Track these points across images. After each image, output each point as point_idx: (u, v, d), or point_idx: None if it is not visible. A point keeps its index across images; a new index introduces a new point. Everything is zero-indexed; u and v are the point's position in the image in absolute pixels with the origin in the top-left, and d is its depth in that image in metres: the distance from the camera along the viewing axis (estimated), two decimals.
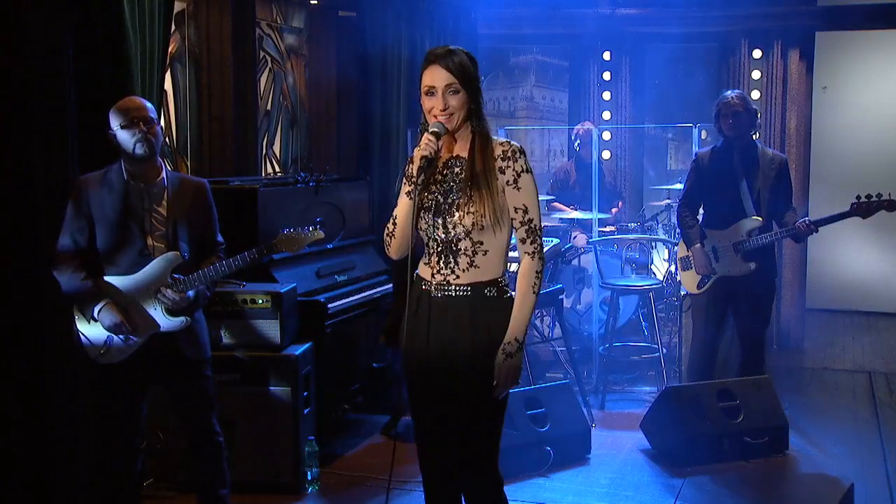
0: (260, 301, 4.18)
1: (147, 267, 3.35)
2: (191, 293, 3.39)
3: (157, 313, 3.37)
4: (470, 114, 2.74)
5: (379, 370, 5.49)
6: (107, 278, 3.35)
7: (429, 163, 2.70)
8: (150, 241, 3.36)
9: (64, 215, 3.37)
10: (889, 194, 4.59)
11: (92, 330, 3.36)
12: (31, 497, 3.63)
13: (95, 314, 3.31)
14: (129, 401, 3.43)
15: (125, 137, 3.30)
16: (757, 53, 7.22)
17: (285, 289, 4.25)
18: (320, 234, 3.62)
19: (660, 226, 6.92)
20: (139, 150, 3.30)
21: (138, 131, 3.28)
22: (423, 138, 2.70)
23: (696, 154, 5.12)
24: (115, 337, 3.34)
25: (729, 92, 4.92)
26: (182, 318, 3.39)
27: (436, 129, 2.70)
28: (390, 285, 5.22)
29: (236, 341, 4.20)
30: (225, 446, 3.61)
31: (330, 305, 4.56)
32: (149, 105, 3.38)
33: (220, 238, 3.60)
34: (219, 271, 3.42)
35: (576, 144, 7.01)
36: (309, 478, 4.24)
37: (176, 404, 3.55)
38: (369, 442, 4.99)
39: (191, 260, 3.44)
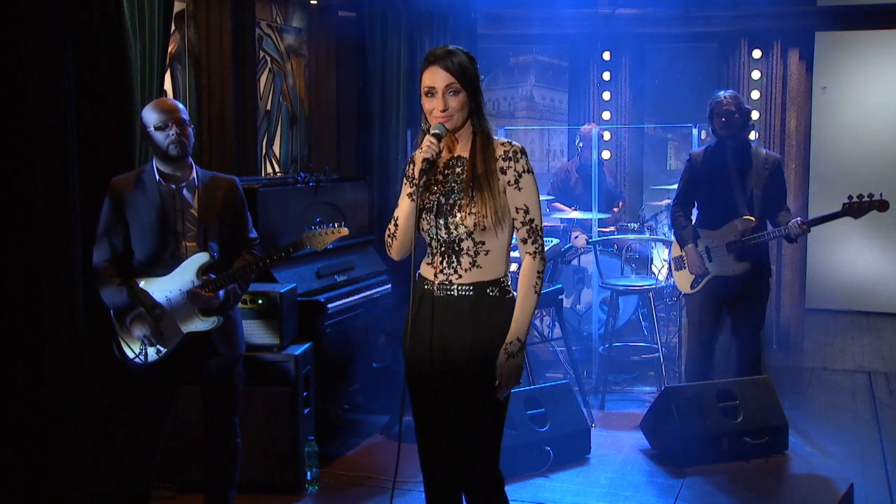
0: (260, 301, 4.18)
1: (179, 268, 3.37)
2: (221, 293, 3.40)
3: (191, 314, 3.39)
4: (471, 114, 2.75)
5: (379, 370, 5.49)
6: (140, 281, 3.38)
7: (430, 165, 2.70)
8: (182, 242, 3.39)
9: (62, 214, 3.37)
10: (881, 194, 4.58)
11: (130, 337, 3.39)
12: (32, 496, 3.63)
13: (128, 323, 3.35)
14: (163, 400, 3.46)
15: (159, 138, 3.32)
16: (757, 53, 7.22)
17: (285, 289, 4.25)
18: (345, 231, 3.63)
19: (659, 226, 6.92)
20: (172, 151, 3.32)
21: (173, 132, 3.31)
22: (425, 140, 2.70)
23: (689, 154, 5.12)
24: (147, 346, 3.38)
25: (722, 92, 4.92)
26: (214, 318, 3.41)
27: (437, 131, 2.70)
28: (389, 285, 5.23)
29: None
30: (241, 449, 3.62)
31: (329, 305, 4.56)
32: (181, 106, 3.40)
33: (253, 234, 3.62)
34: (249, 269, 3.45)
35: (578, 145, 7.01)
36: (309, 478, 4.24)
37: (205, 402, 3.56)
38: (369, 442, 4.99)
39: (224, 257, 3.45)
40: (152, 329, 3.34)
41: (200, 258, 3.38)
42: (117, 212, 3.36)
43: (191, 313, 3.39)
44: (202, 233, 3.41)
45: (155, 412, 3.46)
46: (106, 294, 3.36)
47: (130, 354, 3.39)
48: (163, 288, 3.38)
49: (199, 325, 3.40)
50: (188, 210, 3.41)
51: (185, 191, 3.41)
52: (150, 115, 3.34)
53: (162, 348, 3.37)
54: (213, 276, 3.39)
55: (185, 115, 3.38)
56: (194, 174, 3.46)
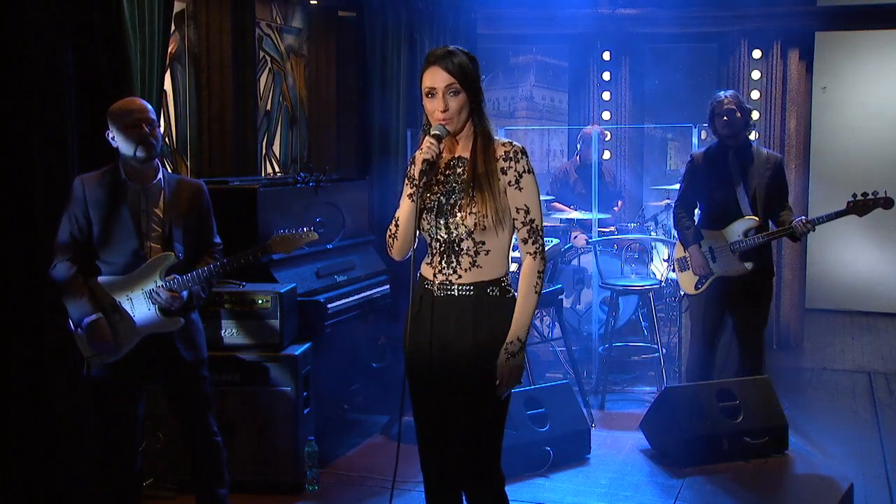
0: (260, 301, 4.18)
1: (141, 267, 3.36)
2: (185, 293, 3.39)
3: (151, 313, 3.37)
4: (471, 114, 2.75)
5: (379, 370, 5.49)
6: (101, 278, 3.35)
7: (430, 166, 2.70)
8: (146, 243, 3.36)
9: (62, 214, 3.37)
10: (885, 192, 4.59)
11: (82, 338, 3.36)
12: (31, 498, 3.63)
13: (83, 325, 3.30)
14: (125, 401, 3.43)
15: (126, 139, 3.29)
16: (757, 54, 7.22)
17: (285, 289, 4.25)
18: (314, 236, 3.63)
19: (659, 226, 6.92)
20: (140, 153, 3.30)
21: (140, 133, 3.28)
22: (425, 141, 2.70)
23: (690, 155, 5.12)
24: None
25: (722, 92, 4.92)
26: (176, 319, 3.39)
27: (437, 132, 2.70)
28: (389, 286, 5.22)
29: (236, 341, 4.20)
30: (223, 446, 3.61)
31: (330, 305, 4.56)
32: (149, 106, 3.37)
33: (217, 239, 3.59)
34: (213, 272, 3.43)
35: (578, 145, 7.01)
36: (309, 477, 4.24)
37: (173, 404, 3.54)
38: (369, 442, 4.99)
39: (186, 260, 3.44)
40: (106, 336, 3.30)
41: (165, 258, 3.37)
42: (78, 209, 3.32)
43: (152, 314, 3.37)
44: (167, 234, 3.38)
45: (120, 412, 3.42)
46: (56, 270, 3.32)
47: (86, 354, 3.37)
48: (125, 287, 3.36)
49: (160, 325, 3.38)
50: (153, 210, 3.38)
51: (151, 191, 3.39)
52: (118, 117, 3.30)
53: (115, 356, 3.34)
54: (177, 276, 3.38)
55: (153, 115, 3.35)
56: (160, 175, 3.43)
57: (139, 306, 3.37)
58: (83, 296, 3.31)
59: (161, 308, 3.36)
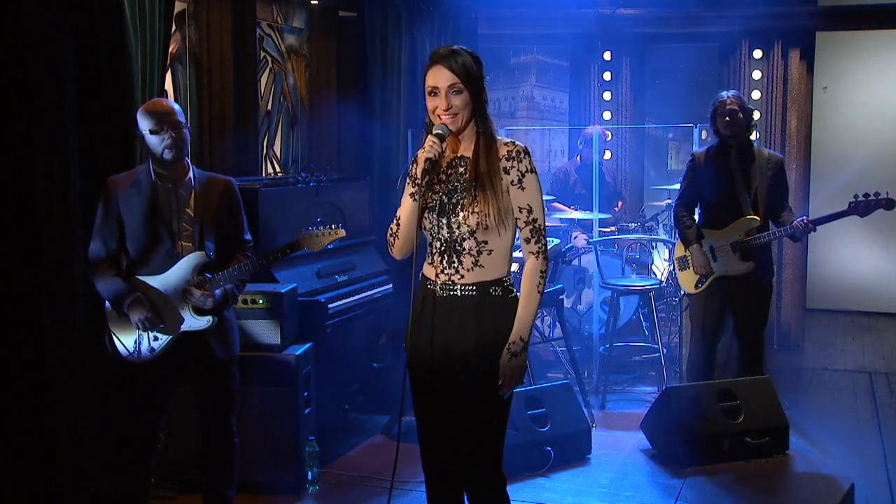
0: (260, 301, 4.18)
1: (174, 267, 3.38)
2: (217, 292, 3.40)
3: (185, 313, 3.39)
4: (474, 114, 2.74)
5: (380, 370, 5.49)
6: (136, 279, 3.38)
7: (432, 165, 2.70)
8: (178, 242, 3.39)
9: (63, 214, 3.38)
10: (887, 192, 4.59)
11: (123, 330, 3.38)
12: (32, 498, 3.63)
13: (126, 308, 3.33)
14: (157, 399, 3.47)
15: (154, 142, 3.32)
16: (757, 53, 7.22)
17: (286, 289, 4.25)
18: (342, 232, 3.64)
19: (660, 226, 6.92)
20: (167, 155, 3.33)
21: (167, 136, 3.31)
22: (427, 141, 2.70)
23: (692, 154, 5.12)
24: (143, 339, 3.36)
25: (724, 92, 4.92)
26: (209, 318, 3.41)
27: (439, 132, 2.70)
28: (390, 285, 5.22)
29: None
30: (238, 448, 3.62)
31: (330, 305, 4.56)
32: (177, 108, 3.40)
33: (247, 236, 3.61)
34: (246, 269, 3.45)
35: (579, 145, 7.01)
36: (309, 478, 4.24)
37: (200, 402, 3.57)
38: (370, 442, 4.99)
39: (218, 258, 3.45)
40: (150, 313, 3.33)
41: (197, 257, 3.39)
42: (113, 210, 3.36)
43: (186, 313, 3.39)
44: (198, 232, 3.40)
45: (149, 414, 3.46)
46: (102, 284, 3.36)
47: (122, 350, 3.39)
48: (158, 286, 3.38)
49: (194, 324, 3.40)
50: (184, 209, 3.41)
51: (181, 190, 3.41)
52: (145, 119, 3.33)
53: (160, 337, 3.36)
54: (209, 275, 3.39)
55: (181, 118, 3.38)
56: (191, 174, 3.45)
57: (173, 306, 3.38)
58: (119, 282, 3.34)
59: (194, 307, 3.38)
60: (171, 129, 3.32)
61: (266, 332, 4.19)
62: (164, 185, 3.39)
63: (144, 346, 3.38)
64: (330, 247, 4.74)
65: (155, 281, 3.38)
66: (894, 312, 8.61)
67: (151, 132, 3.31)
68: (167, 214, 3.38)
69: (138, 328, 3.35)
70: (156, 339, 3.38)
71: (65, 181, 3.60)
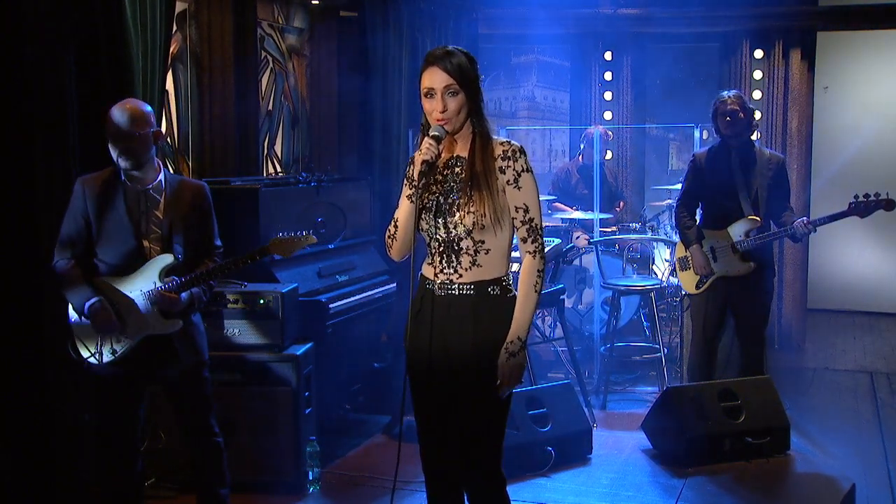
0: (261, 301, 4.18)
1: (141, 269, 3.35)
2: (184, 295, 3.38)
3: (151, 316, 3.36)
4: (470, 114, 2.74)
5: (380, 370, 5.49)
6: (102, 280, 3.35)
7: (429, 167, 2.70)
8: (146, 243, 3.36)
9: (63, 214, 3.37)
10: (887, 193, 4.59)
11: (85, 334, 3.35)
12: (32, 498, 3.63)
13: (86, 311, 3.29)
14: (126, 403, 3.42)
15: (111, 149, 3.30)
16: (758, 53, 7.22)
17: (287, 289, 4.25)
18: (313, 239, 3.62)
19: (661, 226, 6.92)
20: (122, 164, 3.31)
21: (115, 148, 3.27)
22: (424, 143, 2.70)
23: (692, 154, 5.11)
24: (105, 342, 3.33)
25: (725, 92, 4.92)
26: (175, 321, 3.38)
27: (436, 133, 2.70)
28: (391, 285, 5.23)
29: (238, 341, 4.20)
30: (224, 446, 3.60)
31: (331, 305, 4.56)
32: (140, 114, 3.31)
33: (217, 241, 3.58)
34: (212, 274, 3.42)
35: (581, 145, 7.01)
36: (310, 478, 4.24)
37: (174, 405, 3.54)
38: (370, 442, 4.99)
39: (186, 262, 3.43)
40: (111, 317, 3.28)
41: (164, 259, 3.36)
42: (81, 209, 3.33)
43: (152, 315, 3.36)
44: (166, 235, 3.38)
45: (120, 415, 3.41)
46: (64, 283, 3.32)
47: (85, 354, 3.35)
48: (125, 288, 3.35)
49: (160, 327, 3.37)
50: (153, 212, 3.38)
51: (150, 192, 3.39)
52: (107, 124, 3.29)
53: (122, 340, 3.32)
54: (176, 278, 3.37)
55: (135, 127, 3.26)
56: (161, 177, 3.43)
57: (139, 308, 3.35)
58: (82, 283, 3.31)
59: (160, 310, 3.36)
60: (121, 141, 3.26)
61: (267, 332, 4.19)
62: (134, 186, 3.36)
63: (106, 350, 3.34)
64: (332, 246, 4.76)
65: (120, 283, 3.35)
66: (895, 312, 8.61)
67: (108, 138, 3.29)
68: (136, 215, 3.35)
69: (98, 332, 3.32)
70: (118, 341, 3.34)
71: (65, 181, 3.60)
